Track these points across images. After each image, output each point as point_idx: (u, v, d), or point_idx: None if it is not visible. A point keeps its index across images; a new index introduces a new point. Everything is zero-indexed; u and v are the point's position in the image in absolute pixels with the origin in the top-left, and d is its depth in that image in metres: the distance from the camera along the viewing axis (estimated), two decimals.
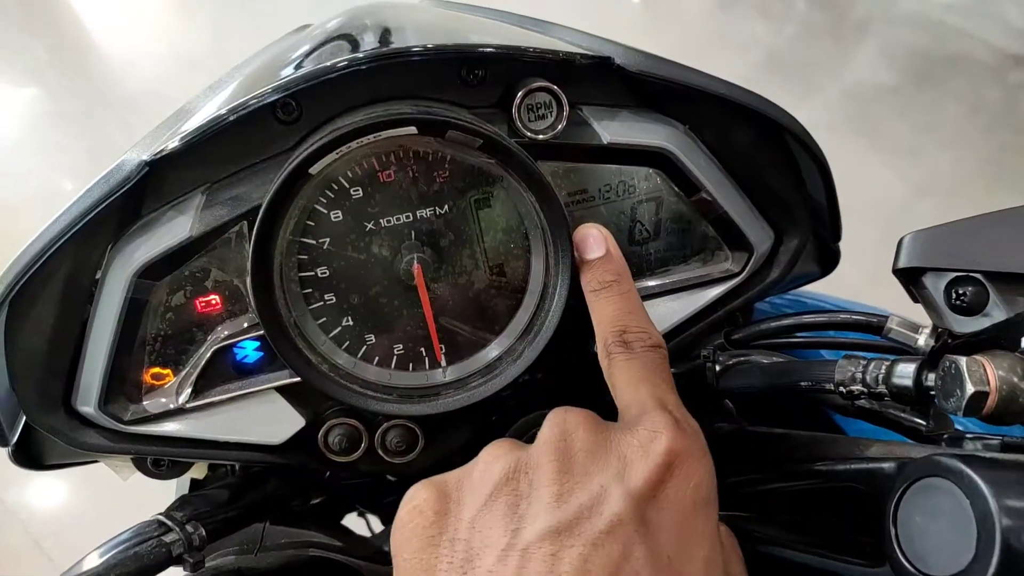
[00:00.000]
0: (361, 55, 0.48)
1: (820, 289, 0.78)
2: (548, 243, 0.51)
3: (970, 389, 0.37)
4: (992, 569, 0.33)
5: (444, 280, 0.53)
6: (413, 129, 0.46)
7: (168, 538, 0.49)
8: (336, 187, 0.50)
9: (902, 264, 0.46)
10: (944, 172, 2.55)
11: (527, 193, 0.50)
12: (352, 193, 0.50)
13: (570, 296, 0.51)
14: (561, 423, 0.41)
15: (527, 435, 0.58)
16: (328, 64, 0.47)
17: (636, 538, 0.35)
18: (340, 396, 0.52)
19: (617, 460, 0.38)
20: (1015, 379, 0.37)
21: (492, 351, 0.54)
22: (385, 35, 0.54)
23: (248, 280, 0.48)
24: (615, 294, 0.47)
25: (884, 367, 0.42)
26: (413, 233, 0.51)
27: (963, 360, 0.38)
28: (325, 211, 0.50)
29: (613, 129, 0.51)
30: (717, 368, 0.54)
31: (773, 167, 0.54)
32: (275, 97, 0.47)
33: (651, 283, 0.56)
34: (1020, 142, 2.70)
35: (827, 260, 0.58)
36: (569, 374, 0.53)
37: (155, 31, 3.20)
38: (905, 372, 0.42)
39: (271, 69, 0.53)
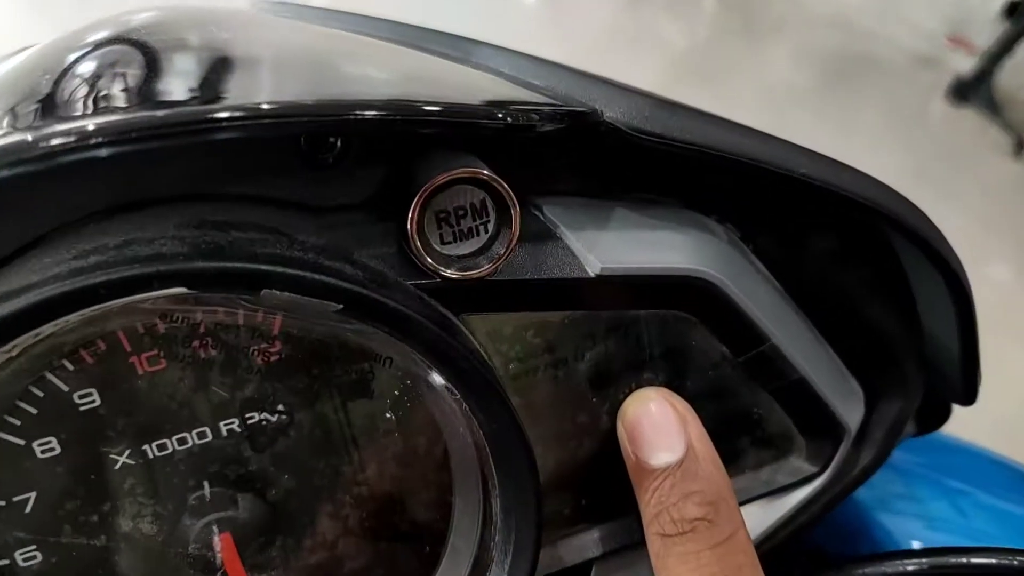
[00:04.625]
0: (91, 127, 0.21)
1: None
2: (489, 477, 0.26)
3: None
4: None
5: (282, 552, 0.27)
6: (181, 289, 0.21)
7: None
8: (40, 393, 0.24)
9: None
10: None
11: (450, 387, 0.25)
12: (77, 402, 0.24)
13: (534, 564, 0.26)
14: None
15: None
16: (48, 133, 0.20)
17: None
18: None
19: None
20: None
21: None
22: (177, 74, 0.27)
23: None
24: (704, 547, 0.25)
25: None
26: (212, 469, 0.25)
27: None
28: (21, 443, 0.24)
29: (605, 245, 0.27)
30: None
31: (869, 292, 0.31)
32: None
33: None
34: (935, 143, 2.66)
35: (931, 416, 0.36)
36: None
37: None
38: None
39: None
